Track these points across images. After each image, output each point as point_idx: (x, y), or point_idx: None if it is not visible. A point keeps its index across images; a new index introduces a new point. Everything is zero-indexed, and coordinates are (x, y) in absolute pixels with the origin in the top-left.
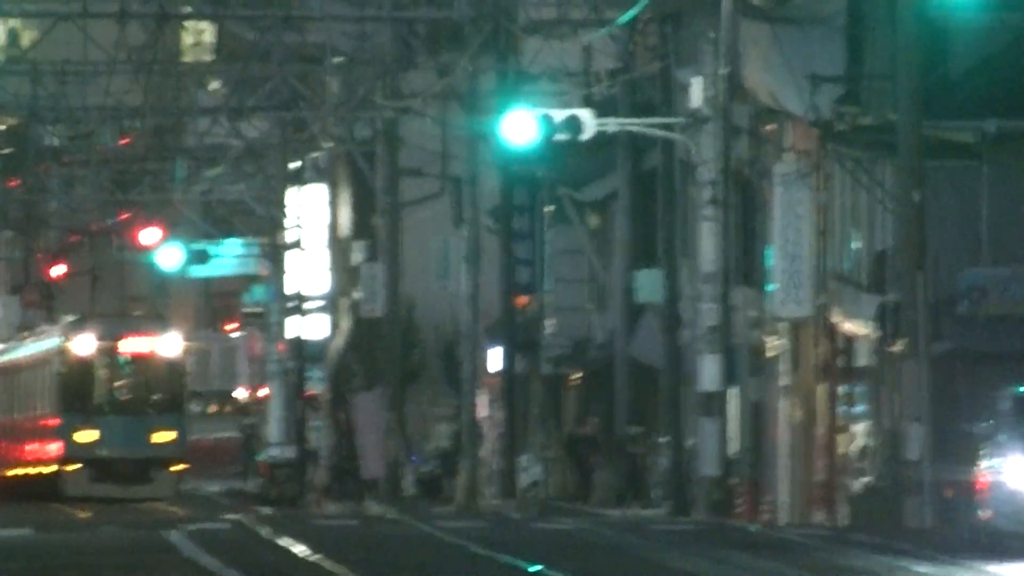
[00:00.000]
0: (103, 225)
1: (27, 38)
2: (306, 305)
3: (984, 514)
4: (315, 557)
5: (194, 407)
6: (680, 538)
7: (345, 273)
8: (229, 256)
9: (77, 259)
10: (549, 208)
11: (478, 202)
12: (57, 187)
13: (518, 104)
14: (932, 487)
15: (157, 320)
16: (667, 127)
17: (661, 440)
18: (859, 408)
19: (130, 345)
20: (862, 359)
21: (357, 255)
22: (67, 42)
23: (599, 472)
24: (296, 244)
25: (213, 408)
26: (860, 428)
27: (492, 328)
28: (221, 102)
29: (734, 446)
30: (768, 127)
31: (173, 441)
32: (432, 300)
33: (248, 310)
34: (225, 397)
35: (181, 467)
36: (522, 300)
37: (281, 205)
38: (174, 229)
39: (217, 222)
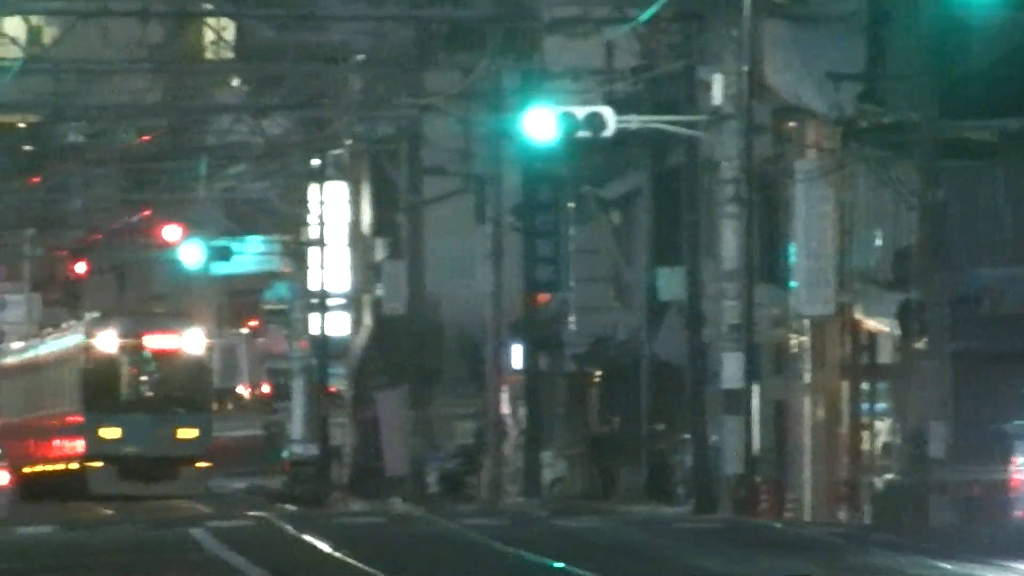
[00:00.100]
0: (125, 222)
1: (48, 36)
2: (328, 302)
3: (1018, 512)
4: (340, 554)
5: None
6: (704, 536)
7: (367, 270)
8: (251, 253)
9: (98, 257)
10: (571, 206)
11: (500, 200)
12: (78, 185)
13: (540, 102)
14: (957, 486)
15: (181, 317)
16: (689, 125)
17: (684, 437)
18: (882, 405)
19: (154, 342)
20: (885, 356)
21: (379, 252)
22: (87, 40)
23: (622, 469)
24: (318, 241)
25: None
26: (883, 425)
27: (515, 326)
28: (243, 100)
29: (757, 444)
30: (789, 125)
31: (197, 438)
32: (454, 298)
33: (270, 307)
34: (226, 395)
35: (206, 464)
36: (542, 298)
37: (303, 202)
38: (195, 227)
39: (239, 220)
